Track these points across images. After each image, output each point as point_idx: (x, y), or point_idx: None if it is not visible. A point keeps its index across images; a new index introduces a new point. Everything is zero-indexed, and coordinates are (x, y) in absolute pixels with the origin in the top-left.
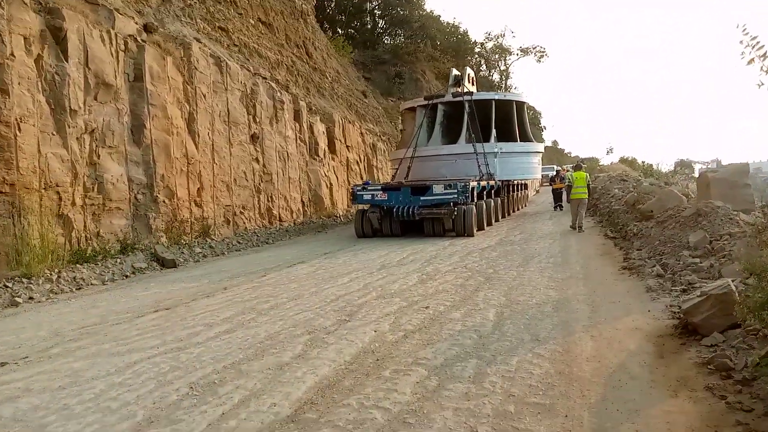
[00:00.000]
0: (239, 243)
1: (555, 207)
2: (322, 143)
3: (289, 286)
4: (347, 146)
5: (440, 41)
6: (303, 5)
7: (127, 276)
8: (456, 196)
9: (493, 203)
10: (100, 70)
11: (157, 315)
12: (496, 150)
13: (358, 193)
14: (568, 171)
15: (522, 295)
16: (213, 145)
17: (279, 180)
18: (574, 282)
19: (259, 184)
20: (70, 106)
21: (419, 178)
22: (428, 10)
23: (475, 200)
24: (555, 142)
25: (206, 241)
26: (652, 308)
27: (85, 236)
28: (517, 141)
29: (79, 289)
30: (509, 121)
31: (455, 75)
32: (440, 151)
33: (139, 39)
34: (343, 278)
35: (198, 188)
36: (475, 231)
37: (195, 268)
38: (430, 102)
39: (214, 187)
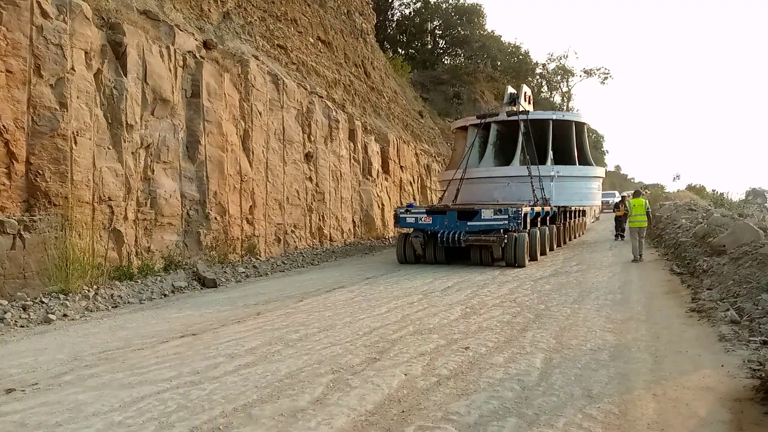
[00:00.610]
0: (284, 263)
1: (616, 236)
2: (376, 163)
3: (323, 315)
4: (401, 167)
5: (501, 62)
6: (363, 24)
7: (165, 295)
8: (507, 222)
9: (548, 231)
10: (158, 85)
11: (182, 342)
12: (552, 173)
13: (401, 215)
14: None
15: (575, 338)
16: (267, 162)
17: (331, 199)
18: (635, 325)
19: (312, 203)
20: (126, 121)
21: (469, 201)
22: (489, 30)
23: (528, 227)
24: (618, 167)
25: (251, 260)
26: (727, 363)
27: (136, 251)
28: (575, 164)
29: (116, 307)
30: (567, 142)
31: (510, 93)
32: (492, 173)
33: (197, 55)
34: (381, 308)
35: (250, 206)
36: (527, 261)
37: (234, 289)
38: (483, 121)
39: (266, 205)
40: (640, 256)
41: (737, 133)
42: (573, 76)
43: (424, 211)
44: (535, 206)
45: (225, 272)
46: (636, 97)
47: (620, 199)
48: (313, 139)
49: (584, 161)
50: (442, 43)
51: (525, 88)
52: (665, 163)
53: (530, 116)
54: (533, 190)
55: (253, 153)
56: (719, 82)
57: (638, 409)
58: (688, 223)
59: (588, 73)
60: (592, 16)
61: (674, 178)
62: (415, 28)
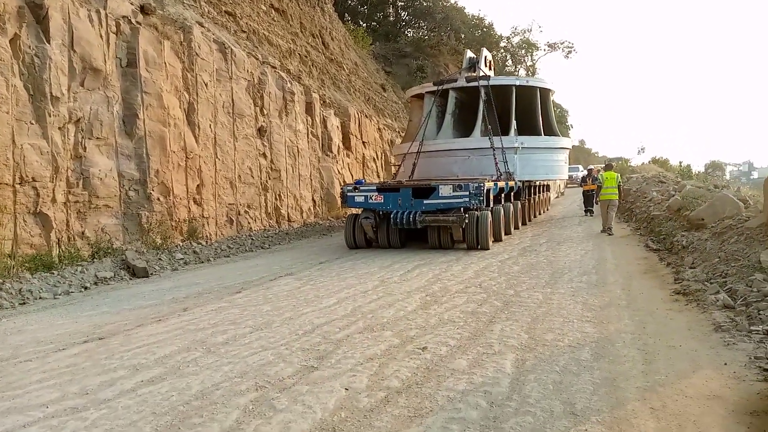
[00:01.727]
0: (230, 248)
1: (585, 212)
2: (336, 138)
3: (260, 310)
4: (363, 142)
5: (464, 34)
6: None
7: (86, 288)
8: (467, 199)
9: (512, 208)
10: (88, 53)
11: (82, 349)
12: (516, 145)
13: (348, 194)
14: (599, 172)
15: (550, 331)
16: (215, 138)
17: (288, 177)
18: (616, 312)
19: (266, 181)
20: (51, 93)
21: (426, 177)
22: (452, 2)
23: (491, 205)
24: (582, 142)
25: (191, 245)
26: (730, 360)
27: (68, 236)
28: (541, 135)
29: (23, 304)
30: (532, 111)
31: (470, 57)
32: (451, 146)
33: (133, 21)
34: (330, 299)
35: (198, 185)
36: (490, 243)
37: (167, 279)
38: (440, 87)
39: (215, 184)
40: (609, 229)
41: (696, 106)
42: (537, 50)
43: (375, 188)
44: (499, 181)
45: (160, 260)
46: (599, 71)
47: (586, 173)
48: (266, 112)
49: (550, 131)
50: (404, 14)
51: (485, 52)
52: (628, 137)
53: (491, 82)
54: (496, 164)
55: (199, 128)
56: (679, 55)
57: (635, 430)
58: (659, 196)
59: (552, 47)
60: None
61: (639, 151)
62: None
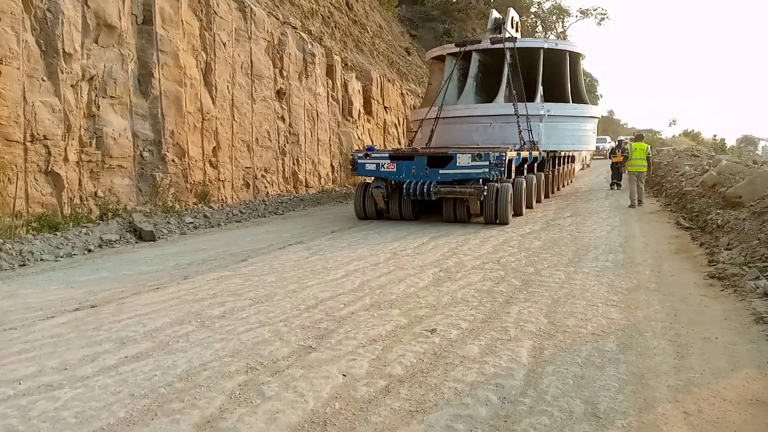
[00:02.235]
0: (242, 213)
1: (612, 185)
2: (357, 103)
3: (264, 280)
4: (385, 107)
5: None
6: None
7: (90, 250)
8: (487, 170)
9: (535, 180)
10: (102, 9)
11: (71, 317)
12: (542, 112)
13: (359, 161)
14: (628, 143)
15: (572, 316)
16: (233, 100)
17: (306, 141)
18: (645, 296)
19: (284, 145)
20: (64, 49)
21: (444, 145)
22: None
23: (513, 176)
24: (611, 112)
25: (202, 209)
26: None
27: (80, 196)
28: (569, 102)
29: (23, 265)
30: (560, 76)
31: (495, 18)
32: (472, 112)
33: None
34: (338, 271)
35: (214, 147)
36: (510, 217)
37: (174, 244)
38: (463, 49)
39: (232, 147)
40: (640, 202)
41: (731, 80)
42: (569, 16)
43: (387, 156)
44: (522, 151)
45: (168, 223)
46: (632, 40)
47: (616, 144)
48: (285, 74)
49: (578, 99)
50: None
51: (512, 13)
52: (659, 109)
53: (518, 44)
54: (520, 132)
55: (216, 88)
56: (715, 27)
57: None
58: (692, 171)
59: (584, 13)
60: None
61: (670, 123)
62: None
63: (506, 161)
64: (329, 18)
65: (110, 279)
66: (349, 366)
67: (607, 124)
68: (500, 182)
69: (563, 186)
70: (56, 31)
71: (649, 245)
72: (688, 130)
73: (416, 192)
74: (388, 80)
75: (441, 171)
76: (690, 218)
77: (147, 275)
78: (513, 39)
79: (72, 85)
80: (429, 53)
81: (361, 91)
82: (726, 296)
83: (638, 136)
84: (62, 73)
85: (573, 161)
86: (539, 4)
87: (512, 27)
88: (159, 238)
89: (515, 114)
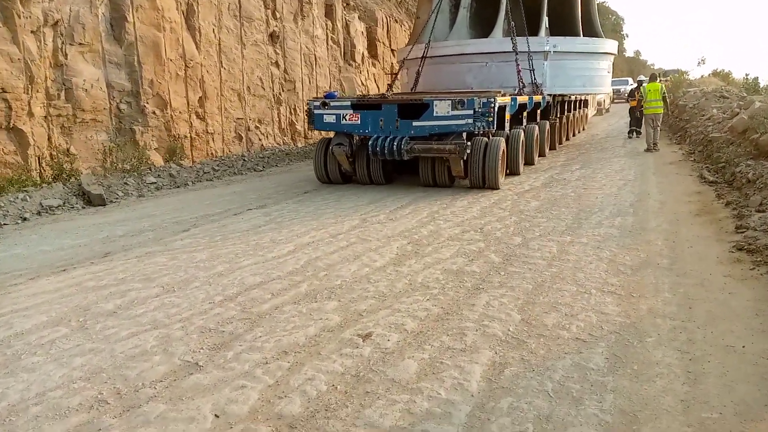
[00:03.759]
0: (214, 170)
1: (630, 132)
2: (360, 46)
3: (193, 258)
4: (392, 50)
5: None
6: None
7: (25, 219)
8: (471, 121)
9: (537, 131)
10: None
11: None
12: (546, 48)
13: (315, 112)
14: (643, 84)
15: (554, 310)
16: (220, 45)
17: (304, 89)
18: (653, 278)
19: (280, 93)
20: None
21: (433, 89)
22: None
23: (507, 127)
24: (637, 53)
25: (170, 167)
26: None
27: (50, 154)
28: (579, 36)
29: None
30: (569, 5)
31: None
32: (464, 49)
33: None
34: (288, 244)
35: (200, 97)
36: (501, 180)
37: (124, 209)
38: None
39: (221, 97)
40: (655, 145)
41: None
42: None
43: (349, 104)
44: (519, 95)
45: (126, 185)
46: None
47: (636, 86)
48: (279, 16)
49: (591, 32)
50: None
51: None
52: (688, 48)
53: None
54: (518, 72)
55: (200, 33)
56: None
57: None
58: (720, 114)
59: None
60: None
61: (699, 63)
62: None
63: (495, 109)
64: None
65: (20, 257)
66: (230, 399)
67: (634, 65)
68: (489, 136)
69: (573, 135)
70: None
71: (665, 205)
72: (718, 70)
73: (384, 150)
74: (396, 21)
75: (415, 123)
76: (716, 170)
77: (65, 252)
78: None
79: (32, 32)
80: None
81: (364, 33)
82: (757, 278)
83: (652, 76)
84: (19, 17)
85: (586, 106)
86: None
87: None
88: (112, 202)
89: (513, 51)
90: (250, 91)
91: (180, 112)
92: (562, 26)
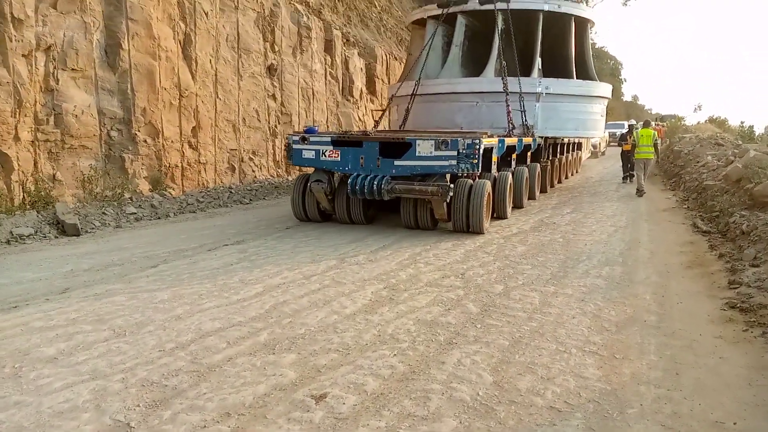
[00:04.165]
0: (199, 202)
1: (624, 177)
2: (359, 82)
3: (154, 298)
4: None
5: None
6: None
7: None
8: (454, 162)
9: (527, 173)
10: None
11: None
12: (538, 89)
13: (294, 147)
14: (637, 129)
15: (530, 371)
16: (216, 75)
17: (301, 122)
18: (639, 336)
19: (275, 125)
20: (12, 13)
21: (423, 128)
22: None
23: (494, 169)
24: (635, 97)
25: (152, 197)
26: None
27: (35, 179)
28: (573, 78)
29: None
30: (563, 47)
31: None
32: (455, 87)
33: None
34: (256, 285)
35: (194, 127)
36: (486, 225)
37: (98, 240)
38: (446, 10)
39: (215, 127)
40: (641, 190)
41: (761, 66)
42: None
43: (329, 140)
44: (509, 137)
45: (104, 214)
46: (657, 23)
47: (627, 129)
48: (277, 49)
49: (585, 74)
50: None
51: None
52: (685, 94)
53: (512, 5)
54: (508, 113)
55: (196, 62)
56: (747, 9)
57: None
58: (715, 162)
59: None
60: None
61: (695, 109)
62: None
63: (480, 151)
64: None
65: None
66: None
67: (631, 110)
68: (475, 178)
69: (566, 178)
70: None
71: (656, 255)
72: (714, 117)
73: (364, 189)
74: (395, 58)
75: (396, 162)
76: (710, 219)
77: (23, 286)
78: None
79: (24, 55)
80: (409, 17)
81: (363, 69)
82: (750, 341)
83: (645, 122)
84: (11, 40)
85: (579, 148)
86: None
87: None
88: (87, 232)
89: (505, 91)
90: (245, 122)
91: (172, 141)
92: (555, 68)
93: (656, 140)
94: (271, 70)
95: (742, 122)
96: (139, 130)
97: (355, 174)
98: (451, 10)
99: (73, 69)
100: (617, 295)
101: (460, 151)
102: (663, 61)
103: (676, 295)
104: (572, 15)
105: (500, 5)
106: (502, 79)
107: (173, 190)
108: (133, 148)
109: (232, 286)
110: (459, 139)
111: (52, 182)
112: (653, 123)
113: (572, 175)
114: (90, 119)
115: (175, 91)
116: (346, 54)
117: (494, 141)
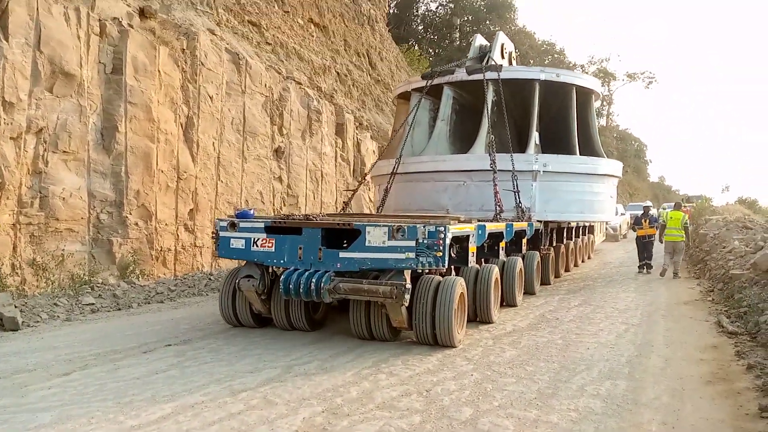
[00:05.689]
0: (170, 290)
1: (641, 266)
2: (371, 164)
3: (31, 420)
4: None
5: (532, 60)
6: (371, 11)
7: None
8: (413, 255)
9: (520, 264)
10: (59, 55)
11: None
12: (535, 167)
13: (222, 234)
14: (653, 209)
15: None
16: (219, 158)
17: (308, 204)
18: None
19: (281, 208)
20: (4, 97)
21: (405, 210)
22: (521, 26)
23: (471, 261)
24: (661, 178)
25: (119, 285)
26: None
27: (13, 264)
28: (576, 154)
29: None
30: (564, 119)
31: (480, 45)
32: (440, 166)
33: (124, 23)
34: (164, 407)
35: (191, 209)
36: (457, 335)
37: (29, 337)
38: (430, 82)
39: (215, 210)
40: (676, 274)
41: None
42: (615, 79)
43: (263, 227)
44: (493, 221)
45: (56, 305)
46: (682, 103)
47: (642, 213)
48: (285, 132)
49: (590, 150)
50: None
51: (502, 38)
52: (712, 174)
53: (504, 74)
54: (495, 194)
55: (198, 145)
56: None
57: None
58: (743, 247)
59: (631, 77)
60: (635, 18)
61: (723, 190)
62: (440, 20)
63: (446, 241)
64: (346, 76)
65: None
66: None
67: (658, 190)
68: (443, 275)
69: (575, 265)
70: None
71: (670, 364)
72: (744, 198)
73: (299, 288)
74: None
75: (342, 254)
76: (737, 316)
77: None
78: (497, 67)
79: (12, 138)
80: (395, 90)
81: (376, 152)
82: None
83: (676, 205)
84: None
85: (591, 232)
86: (583, 67)
87: (504, 58)
88: (29, 326)
89: (492, 168)
90: (248, 204)
91: (166, 224)
92: (556, 143)
93: (686, 223)
94: (278, 152)
95: None
96: (130, 213)
97: (291, 269)
98: (437, 81)
99: (64, 151)
100: (615, 426)
101: (420, 240)
102: (691, 140)
103: (690, 427)
104: (573, 85)
105: (490, 75)
106: (489, 154)
107: (145, 277)
108: (122, 231)
109: (136, 406)
110: (418, 225)
111: (32, 267)
112: (678, 205)
113: (584, 261)
114: (79, 202)
115: (173, 173)
116: (359, 137)
117: (470, 228)
